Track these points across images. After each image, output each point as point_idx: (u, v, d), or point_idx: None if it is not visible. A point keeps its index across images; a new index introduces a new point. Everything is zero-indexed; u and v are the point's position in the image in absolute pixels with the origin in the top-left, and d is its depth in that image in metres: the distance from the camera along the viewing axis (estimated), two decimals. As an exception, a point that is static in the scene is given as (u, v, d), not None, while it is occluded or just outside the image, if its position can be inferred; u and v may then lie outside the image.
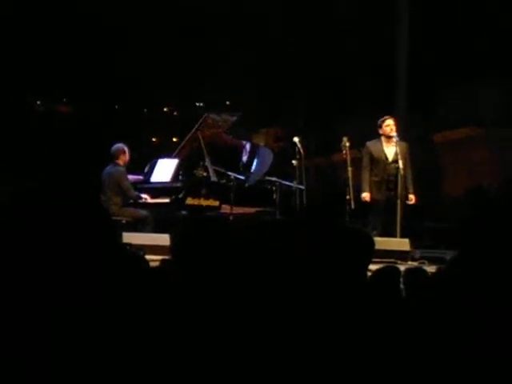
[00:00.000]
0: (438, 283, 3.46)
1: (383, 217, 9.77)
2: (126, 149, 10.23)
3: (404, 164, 9.64)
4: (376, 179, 9.82)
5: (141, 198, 10.24)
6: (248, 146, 11.39)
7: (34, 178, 10.73)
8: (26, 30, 13.35)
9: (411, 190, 9.82)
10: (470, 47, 13.12)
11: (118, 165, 10.13)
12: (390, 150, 9.77)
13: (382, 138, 9.82)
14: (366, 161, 9.89)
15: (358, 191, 9.89)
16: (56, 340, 2.17)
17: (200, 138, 10.65)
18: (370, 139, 9.96)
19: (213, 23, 14.00)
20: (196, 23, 14.04)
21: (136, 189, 10.34)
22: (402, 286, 3.56)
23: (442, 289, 3.22)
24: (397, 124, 9.92)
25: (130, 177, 10.44)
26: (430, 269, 5.86)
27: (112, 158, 10.18)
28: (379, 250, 7.33)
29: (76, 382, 2.16)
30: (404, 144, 9.88)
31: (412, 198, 9.80)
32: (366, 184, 9.83)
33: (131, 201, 10.21)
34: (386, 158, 9.79)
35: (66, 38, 13.59)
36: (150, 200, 10.31)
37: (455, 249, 3.38)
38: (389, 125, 9.81)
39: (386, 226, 9.70)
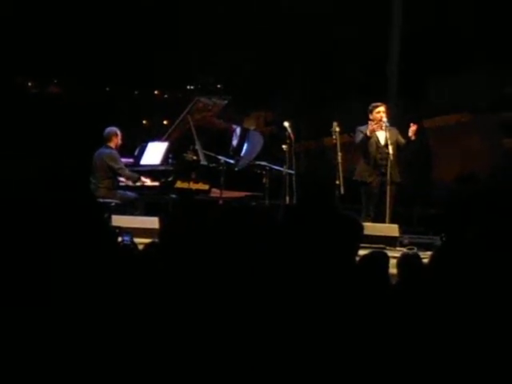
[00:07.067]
0: (431, 269, 3.46)
1: (376, 202, 9.75)
2: (119, 132, 10.21)
3: (394, 150, 9.64)
4: (368, 161, 9.80)
5: (140, 179, 10.16)
6: (238, 130, 11.38)
7: (23, 161, 10.71)
8: (17, 13, 13.32)
9: None
10: (460, 34, 13.16)
11: (109, 147, 10.10)
12: (381, 134, 9.76)
13: (373, 124, 9.79)
14: (360, 137, 9.80)
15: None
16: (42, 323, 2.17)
17: (190, 121, 10.63)
18: (360, 124, 9.94)
19: (206, 6, 13.96)
20: (189, 5, 14.00)
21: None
22: (394, 270, 3.57)
23: (435, 275, 3.22)
24: (387, 111, 9.91)
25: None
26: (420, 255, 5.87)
27: (104, 140, 10.15)
28: (368, 236, 7.33)
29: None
30: (394, 130, 9.87)
31: None
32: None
33: (123, 182, 10.17)
34: (379, 141, 9.78)
35: (56, 19, 13.54)
36: (149, 183, 10.25)
37: (444, 234, 3.39)
38: (379, 111, 9.80)
39: (378, 211, 9.68)
